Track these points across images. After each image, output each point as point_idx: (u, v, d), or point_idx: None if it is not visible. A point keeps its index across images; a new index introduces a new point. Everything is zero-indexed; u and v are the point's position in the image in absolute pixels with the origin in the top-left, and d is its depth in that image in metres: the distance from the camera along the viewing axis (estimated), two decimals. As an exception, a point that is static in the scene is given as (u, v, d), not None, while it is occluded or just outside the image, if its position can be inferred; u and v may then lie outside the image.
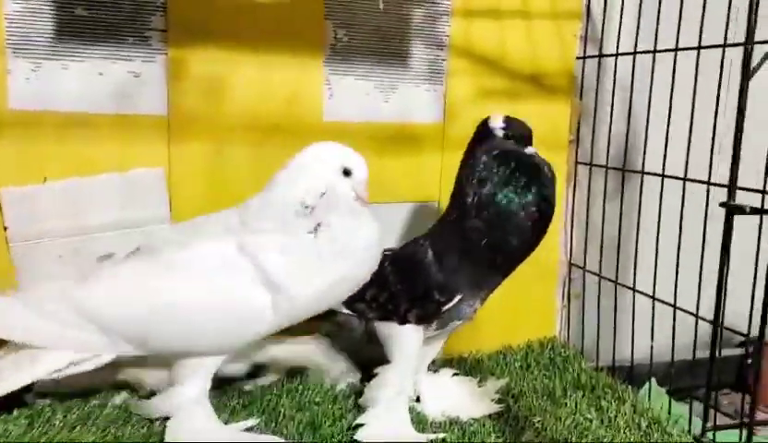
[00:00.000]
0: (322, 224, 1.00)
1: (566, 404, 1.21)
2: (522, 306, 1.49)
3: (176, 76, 1.21)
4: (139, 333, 0.99)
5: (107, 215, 1.19)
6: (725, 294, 1.10)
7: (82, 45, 1.17)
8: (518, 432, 1.11)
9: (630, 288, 1.34)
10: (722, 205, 1.07)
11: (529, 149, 1.09)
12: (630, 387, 1.28)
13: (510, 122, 1.10)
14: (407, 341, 1.10)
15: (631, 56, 1.31)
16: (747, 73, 1.03)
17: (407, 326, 1.10)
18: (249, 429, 1.05)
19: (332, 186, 1.01)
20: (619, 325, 1.38)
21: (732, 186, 1.07)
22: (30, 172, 1.15)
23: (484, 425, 1.12)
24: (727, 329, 1.15)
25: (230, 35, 1.23)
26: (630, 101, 1.34)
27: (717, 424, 1.27)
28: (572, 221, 1.51)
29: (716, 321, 1.12)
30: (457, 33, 1.37)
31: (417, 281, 1.09)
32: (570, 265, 1.52)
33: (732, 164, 1.07)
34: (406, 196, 1.39)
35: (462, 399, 1.19)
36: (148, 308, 0.98)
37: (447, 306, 1.08)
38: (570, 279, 1.53)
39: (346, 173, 1.02)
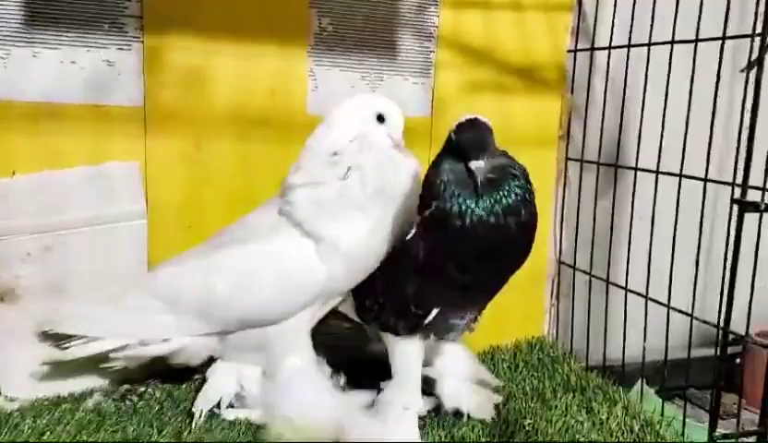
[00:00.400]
0: (352, 168, 1.00)
1: (556, 406, 1.18)
2: (510, 305, 1.43)
3: (153, 65, 1.17)
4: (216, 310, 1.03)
5: (80, 211, 1.15)
6: (731, 293, 1.08)
7: (54, 32, 1.13)
8: (509, 435, 1.08)
9: (621, 287, 1.31)
10: (734, 202, 1.05)
11: (474, 164, 0.91)
12: (620, 388, 1.26)
13: (460, 129, 0.94)
14: (404, 354, 1.05)
15: (622, 50, 1.28)
16: (761, 63, 1.00)
17: (402, 338, 1.05)
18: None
19: (364, 133, 1.02)
20: (609, 325, 1.36)
21: (744, 184, 1.04)
22: (-4, 164, 1.11)
23: (473, 429, 1.09)
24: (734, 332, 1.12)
25: (210, 23, 1.19)
26: (624, 95, 1.31)
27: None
28: (562, 219, 1.48)
29: (727, 324, 1.09)
30: (446, 24, 1.34)
31: (396, 292, 1.02)
32: (560, 263, 1.49)
33: (746, 160, 1.04)
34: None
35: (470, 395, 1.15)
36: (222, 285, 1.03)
37: (426, 320, 1.00)
38: (558, 278, 1.50)
39: (380, 119, 1.03)
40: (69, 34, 1.13)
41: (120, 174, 1.18)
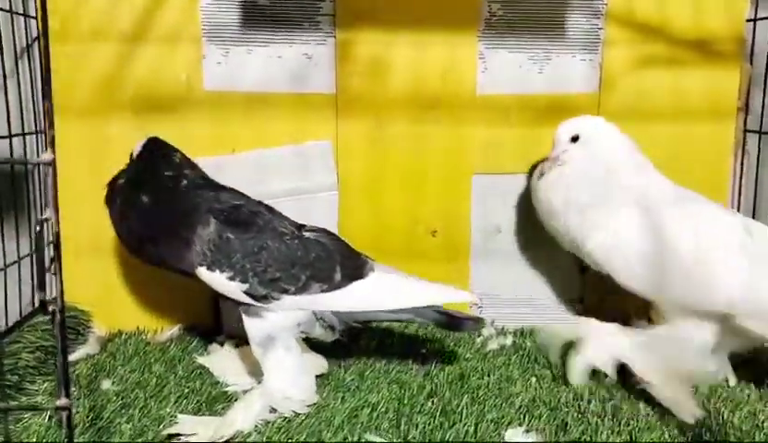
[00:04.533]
0: None
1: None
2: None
3: (344, 56, 1.33)
4: None
5: (284, 183, 1.34)
6: None
7: (264, 32, 1.32)
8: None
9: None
10: None
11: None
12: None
13: None
14: None
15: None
16: None
17: None
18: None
19: None
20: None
21: None
22: (221, 144, 1.33)
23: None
24: None
25: (391, 16, 1.32)
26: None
27: None
28: (740, 192, 1.44)
29: None
30: (615, 0, 1.36)
31: None
32: (737, 238, 1.45)
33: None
34: (559, 166, 1.40)
35: None
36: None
37: None
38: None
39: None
40: (276, 33, 1.32)
41: (316, 152, 1.35)
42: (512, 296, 1.43)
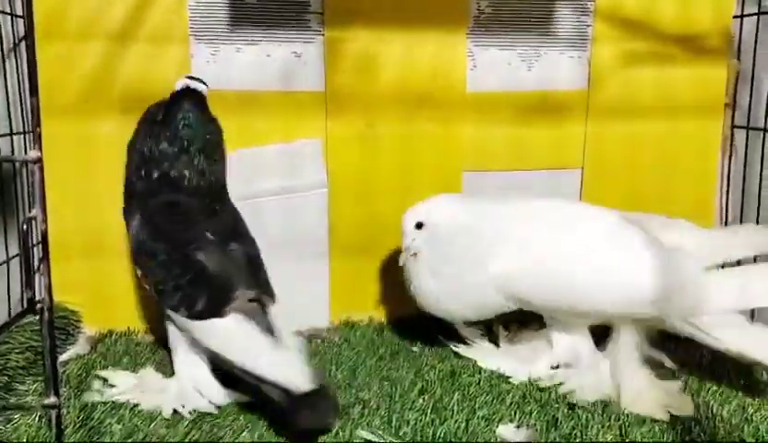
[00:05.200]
0: None
1: (714, 371, 1.19)
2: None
3: (332, 55, 1.33)
4: None
5: (274, 181, 1.33)
6: None
7: (253, 31, 1.32)
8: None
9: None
10: None
11: None
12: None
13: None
14: None
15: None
16: None
17: None
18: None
19: None
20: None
21: None
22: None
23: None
24: None
25: (379, 14, 1.32)
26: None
27: None
28: (728, 189, 1.45)
29: None
30: (603, -3, 1.37)
31: None
32: (725, 234, 1.46)
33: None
34: (549, 163, 1.41)
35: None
36: None
37: None
38: (724, 249, 1.47)
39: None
40: (265, 32, 1.32)
41: (306, 150, 1.35)
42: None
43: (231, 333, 1.01)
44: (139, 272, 1.10)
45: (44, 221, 0.59)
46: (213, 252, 1.06)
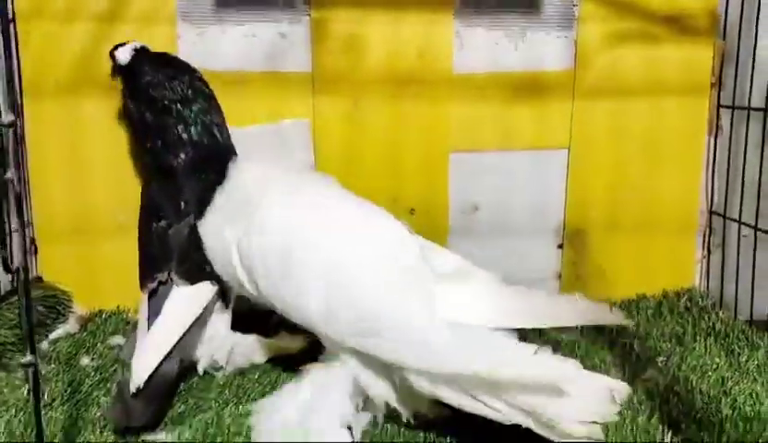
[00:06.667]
0: None
1: (695, 348, 1.20)
2: (659, 256, 1.48)
3: (319, 35, 1.33)
4: None
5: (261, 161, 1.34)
6: None
7: (239, 11, 1.33)
8: (638, 370, 1.13)
9: (774, 235, 1.28)
10: None
11: None
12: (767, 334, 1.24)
13: None
14: None
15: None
16: None
17: None
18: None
19: None
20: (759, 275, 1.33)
21: None
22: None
23: (603, 362, 1.15)
24: None
25: (365, -6, 1.32)
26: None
27: None
28: (713, 168, 1.45)
29: None
30: (589, -24, 1.37)
31: None
32: (711, 214, 1.47)
33: None
34: (534, 143, 1.42)
35: None
36: None
37: None
38: (710, 228, 1.48)
39: None
40: (251, 12, 1.32)
41: (293, 131, 1.35)
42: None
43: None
44: None
45: (19, 181, 0.60)
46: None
